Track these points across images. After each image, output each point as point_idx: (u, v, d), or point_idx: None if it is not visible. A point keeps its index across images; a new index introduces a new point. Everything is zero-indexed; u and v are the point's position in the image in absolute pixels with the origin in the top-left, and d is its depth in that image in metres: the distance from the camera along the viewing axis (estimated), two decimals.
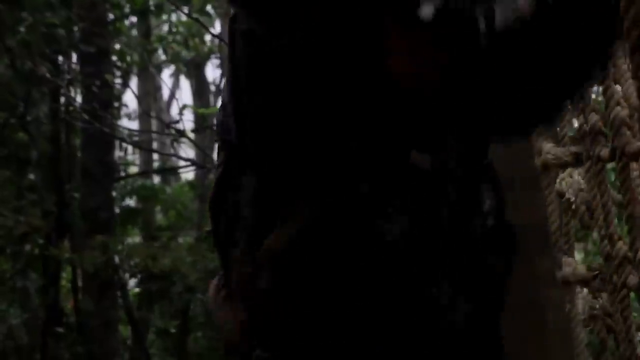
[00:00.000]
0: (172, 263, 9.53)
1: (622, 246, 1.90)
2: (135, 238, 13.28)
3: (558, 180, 2.27)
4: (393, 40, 1.12)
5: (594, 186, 1.97)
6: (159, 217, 14.26)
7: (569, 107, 1.39)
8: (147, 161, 15.22)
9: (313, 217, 1.23)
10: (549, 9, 1.07)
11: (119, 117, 11.61)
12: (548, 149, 2.26)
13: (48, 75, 8.79)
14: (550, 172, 2.27)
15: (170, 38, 12.90)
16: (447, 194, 1.29)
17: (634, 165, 2.06)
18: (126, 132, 11.92)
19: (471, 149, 1.31)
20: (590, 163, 2.01)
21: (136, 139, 12.89)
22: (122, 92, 12.25)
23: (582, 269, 2.16)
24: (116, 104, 10.78)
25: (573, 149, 2.07)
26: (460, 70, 1.12)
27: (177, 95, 15.82)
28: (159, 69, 14.59)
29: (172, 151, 14.02)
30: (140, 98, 12.75)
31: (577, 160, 2.05)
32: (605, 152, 1.89)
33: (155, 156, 15.64)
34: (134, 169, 14.87)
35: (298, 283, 1.25)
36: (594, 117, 1.98)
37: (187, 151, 14.30)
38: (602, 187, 1.93)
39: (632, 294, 1.93)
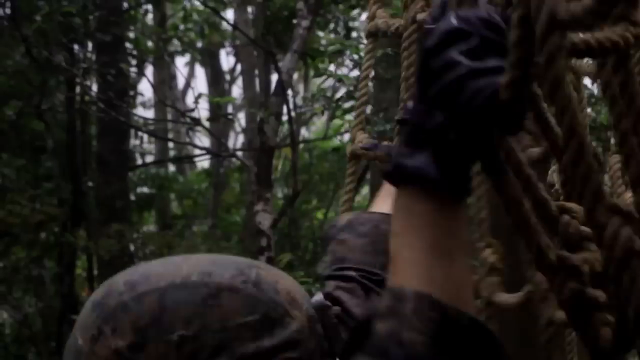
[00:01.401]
0: (187, 251, 9.55)
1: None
2: (150, 226, 13.32)
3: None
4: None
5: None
6: (174, 206, 14.29)
7: None
8: (162, 150, 15.25)
9: None
10: None
11: (134, 105, 11.65)
12: (361, 138, 2.32)
13: (64, 64, 8.80)
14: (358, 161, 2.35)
15: (183, 27, 12.92)
16: None
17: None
18: (141, 120, 11.95)
19: None
20: None
21: (151, 127, 12.91)
22: (137, 81, 12.30)
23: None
24: (131, 93, 10.81)
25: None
26: None
27: (192, 84, 15.83)
28: (174, 57, 14.61)
29: (187, 140, 14.06)
30: (155, 87, 12.76)
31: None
32: None
33: (171, 145, 15.67)
34: (149, 158, 14.91)
35: None
36: None
37: (202, 140, 14.36)
38: None
39: None
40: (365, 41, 2.61)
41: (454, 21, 1.15)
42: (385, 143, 2.39)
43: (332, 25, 9.90)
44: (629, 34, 1.20)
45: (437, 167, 1.13)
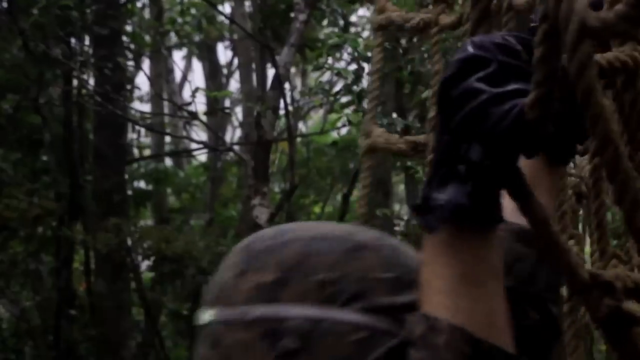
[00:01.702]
0: (185, 246, 9.55)
1: None
2: (147, 220, 13.32)
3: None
4: None
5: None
6: (171, 200, 14.29)
7: None
8: (159, 144, 15.24)
9: None
10: None
11: (131, 99, 11.62)
12: (379, 132, 2.31)
13: (61, 57, 8.79)
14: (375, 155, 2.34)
15: (181, 20, 12.90)
16: None
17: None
18: (138, 114, 11.94)
19: None
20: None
21: (148, 121, 12.90)
22: (134, 75, 12.28)
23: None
24: (128, 87, 10.78)
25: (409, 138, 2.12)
26: None
27: (189, 78, 15.83)
28: (172, 51, 14.60)
29: (184, 134, 14.05)
30: (152, 80, 12.74)
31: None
32: None
33: (167, 139, 15.66)
34: (146, 152, 14.90)
35: None
36: None
37: (199, 134, 14.35)
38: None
39: None
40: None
41: (470, 49, 1.16)
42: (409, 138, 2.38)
43: (331, 19, 9.90)
44: (637, 54, 1.21)
45: (468, 197, 1.15)
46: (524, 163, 1.19)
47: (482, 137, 1.13)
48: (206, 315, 1.25)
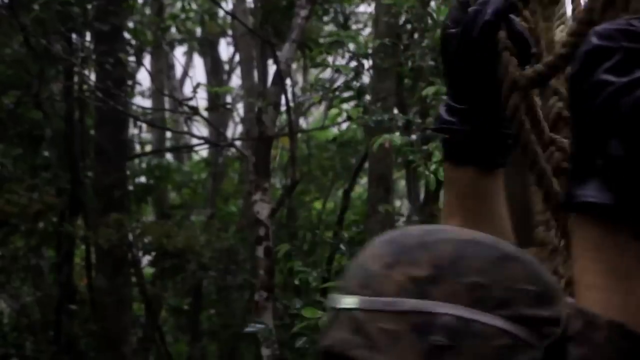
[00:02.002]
0: (186, 241, 9.56)
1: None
2: (149, 216, 13.33)
3: None
4: None
5: None
6: (172, 195, 14.30)
7: None
8: (160, 139, 15.24)
9: None
10: None
11: (132, 95, 11.64)
12: None
13: (62, 53, 8.79)
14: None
15: (183, 16, 12.90)
16: None
17: None
18: (140, 110, 11.94)
19: None
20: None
21: (149, 117, 12.90)
22: (135, 70, 12.28)
23: None
24: (130, 82, 10.80)
25: None
26: None
27: (190, 74, 15.81)
28: (173, 46, 14.60)
29: (185, 129, 14.05)
30: (153, 76, 12.74)
31: None
32: None
33: (169, 134, 15.66)
34: (147, 147, 14.90)
35: None
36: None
37: (200, 129, 14.34)
38: None
39: None
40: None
41: (594, 40, 1.15)
42: None
43: (331, 15, 9.90)
44: None
45: (610, 193, 1.16)
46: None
47: (618, 129, 1.12)
48: (348, 301, 1.24)
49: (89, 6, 9.06)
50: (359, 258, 1.30)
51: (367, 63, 8.22)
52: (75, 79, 9.54)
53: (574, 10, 1.63)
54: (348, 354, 1.20)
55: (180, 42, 14.68)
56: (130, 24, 10.74)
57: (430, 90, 6.55)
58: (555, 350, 1.17)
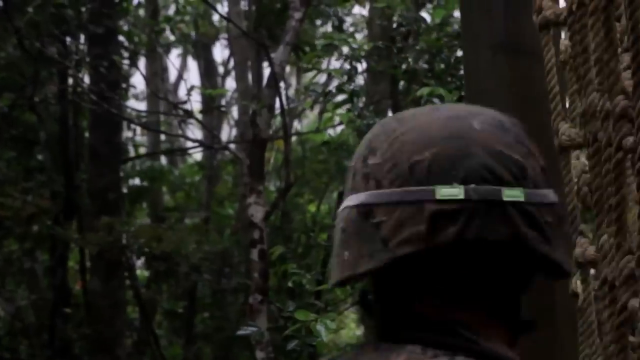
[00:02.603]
0: (175, 244, 9.55)
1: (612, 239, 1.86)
2: (143, 219, 13.31)
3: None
4: None
5: (601, 170, 1.93)
6: (167, 198, 14.28)
7: None
8: (154, 142, 15.22)
9: None
10: None
11: (126, 98, 11.62)
12: (563, 130, 2.25)
13: (56, 56, 8.79)
14: (568, 154, 2.27)
15: (177, 18, 12.90)
16: None
17: None
18: (134, 113, 11.93)
19: None
20: (596, 145, 1.96)
21: (144, 120, 12.89)
22: (129, 73, 12.26)
23: (592, 250, 2.15)
24: (124, 85, 10.78)
25: (586, 129, 2.05)
26: None
27: (184, 76, 15.79)
28: (167, 49, 14.59)
29: (179, 132, 14.04)
30: (147, 79, 12.73)
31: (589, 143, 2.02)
32: (628, 141, 1.81)
33: (163, 137, 15.65)
34: (141, 150, 14.88)
35: None
36: (596, 98, 1.94)
37: (194, 132, 14.33)
38: (612, 174, 1.87)
39: None
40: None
41: None
42: None
43: (324, 18, 9.90)
44: None
45: None
46: None
47: None
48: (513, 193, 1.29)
49: (83, 9, 9.06)
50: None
51: (360, 66, 8.23)
52: (70, 81, 9.53)
53: None
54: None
55: (175, 44, 14.67)
56: (125, 27, 10.74)
57: (424, 91, 6.52)
58: None
